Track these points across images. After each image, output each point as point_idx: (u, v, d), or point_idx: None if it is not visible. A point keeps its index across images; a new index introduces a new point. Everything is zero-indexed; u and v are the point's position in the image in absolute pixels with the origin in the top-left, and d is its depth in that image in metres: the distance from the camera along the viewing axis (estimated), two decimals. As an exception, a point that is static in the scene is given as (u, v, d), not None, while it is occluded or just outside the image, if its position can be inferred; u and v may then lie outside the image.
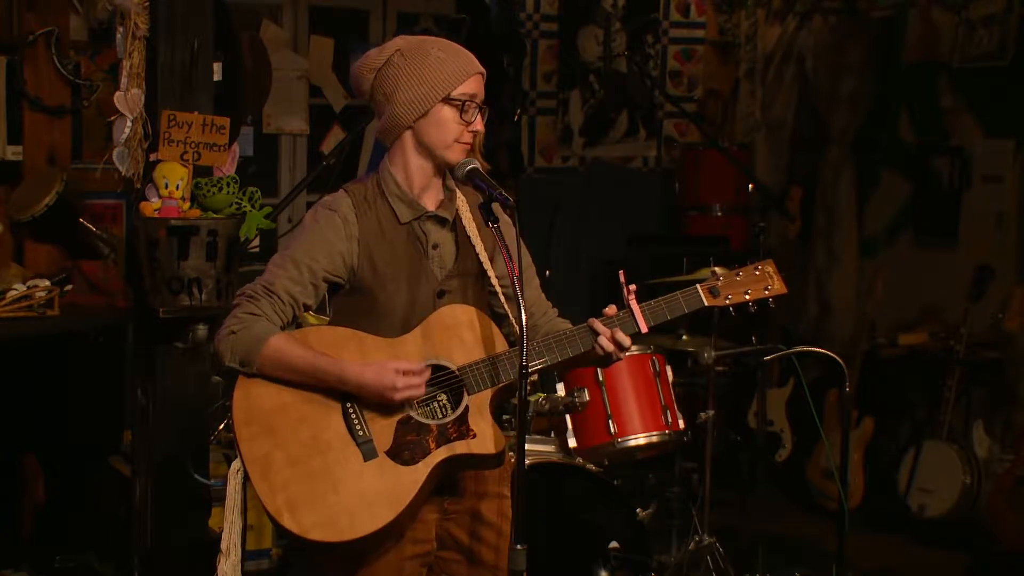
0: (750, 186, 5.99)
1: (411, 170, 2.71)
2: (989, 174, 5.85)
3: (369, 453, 2.59)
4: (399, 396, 2.56)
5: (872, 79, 6.32)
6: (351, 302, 2.72)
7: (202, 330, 3.83)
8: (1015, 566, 5.00)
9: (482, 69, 2.71)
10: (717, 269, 4.61)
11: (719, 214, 6.53)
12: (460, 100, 2.65)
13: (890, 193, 6.31)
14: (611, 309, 2.70)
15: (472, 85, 2.67)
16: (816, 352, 4.00)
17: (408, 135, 2.70)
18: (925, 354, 5.80)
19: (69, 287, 4.17)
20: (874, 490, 5.64)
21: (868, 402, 5.73)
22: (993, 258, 5.58)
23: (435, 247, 2.73)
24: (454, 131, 2.67)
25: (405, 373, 2.56)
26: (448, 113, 2.66)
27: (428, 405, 2.66)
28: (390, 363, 2.57)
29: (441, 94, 2.65)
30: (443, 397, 2.67)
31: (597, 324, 2.67)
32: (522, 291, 2.53)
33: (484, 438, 2.62)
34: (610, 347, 2.66)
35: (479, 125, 2.69)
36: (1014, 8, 5.69)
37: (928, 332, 5.83)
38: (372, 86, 2.72)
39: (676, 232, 6.71)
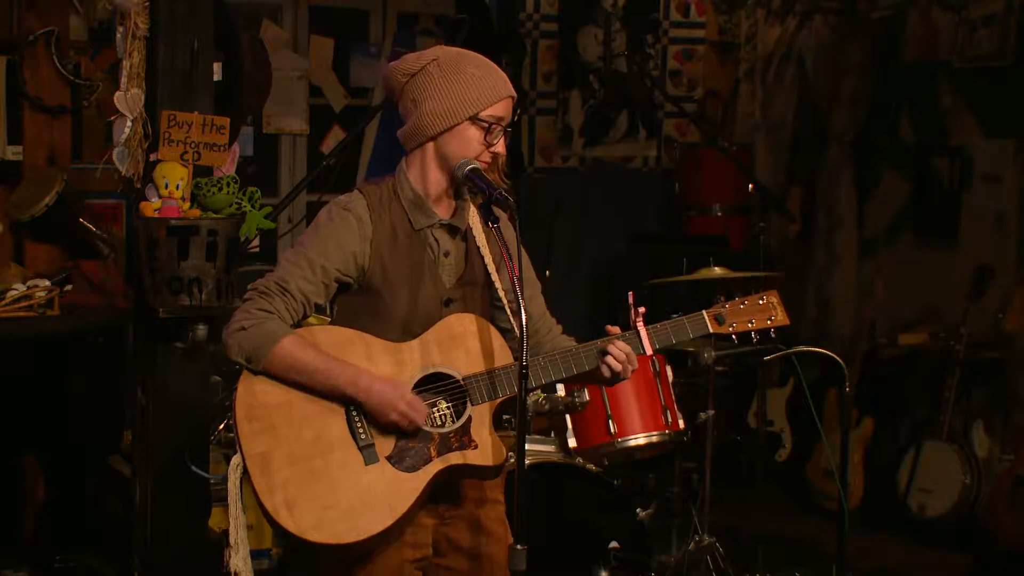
0: (750, 186, 5.99)
1: (428, 179, 2.72)
2: (989, 174, 5.85)
3: (370, 457, 2.59)
4: (397, 416, 2.58)
5: (872, 79, 6.31)
6: (357, 302, 2.72)
7: (202, 330, 3.83)
8: (1015, 566, 5.00)
9: (514, 93, 2.71)
10: (717, 269, 4.63)
11: (719, 214, 6.53)
12: (487, 122, 2.65)
13: (890, 193, 6.31)
14: (614, 329, 2.72)
15: (501, 108, 2.67)
16: (816, 352, 4.00)
17: (430, 145, 2.70)
18: (925, 354, 5.80)
19: (69, 287, 4.16)
20: (874, 490, 5.63)
21: (868, 402, 5.73)
22: (993, 258, 5.58)
23: (446, 255, 2.73)
24: (475, 150, 2.66)
25: (411, 403, 2.58)
26: (473, 133, 2.66)
27: (430, 412, 2.67)
28: (405, 385, 2.61)
29: (469, 112, 2.64)
30: (446, 405, 2.67)
31: (608, 345, 2.69)
32: (522, 291, 2.54)
33: (485, 449, 2.63)
34: (618, 367, 2.68)
35: (501, 148, 2.69)
36: (1014, 8, 5.69)
37: (928, 332, 5.83)
38: (403, 90, 2.72)
39: (676, 232, 6.71)
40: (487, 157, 2.68)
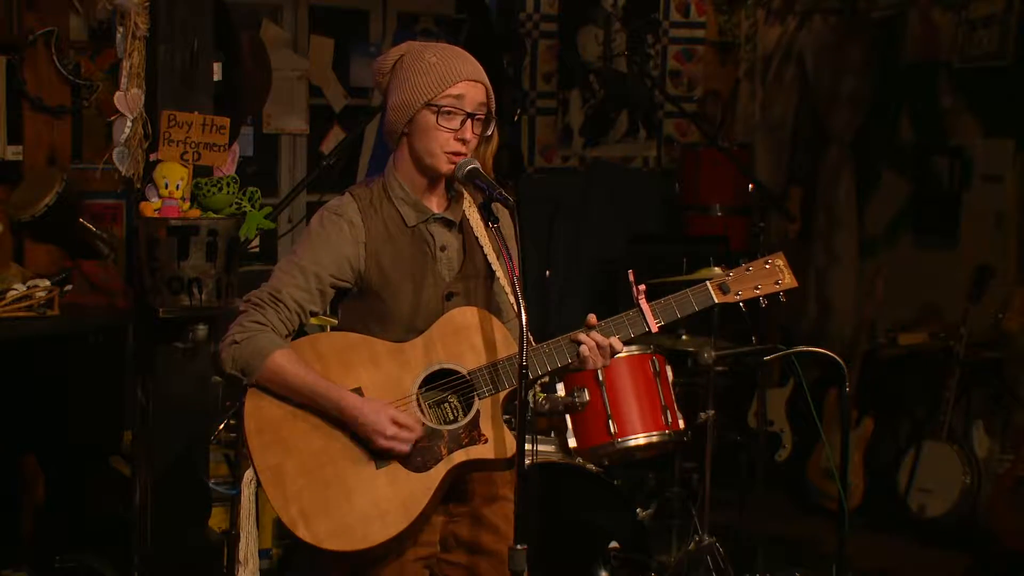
0: (750, 186, 5.99)
1: (412, 174, 2.71)
2: (989, 174, 5.85)
3: (381, 461, 2.59)
4: (385, 444, 2.56)
5: (872, 79, 6.31)
6: (359, 305, 2.71)
7: (202, 330, 3.83)
8: (1015, 566, 5.00)
9: (476, 76, 2.66)
10: (717, 269, 4.63)
11: (719, 214, 6.52)
12: (438, 106, 2.62)
13: (890, 193, 6.31)
14: (592, 319, 2.69)
15: (459, 91, 2.63)
16: (816, 352, 4.00)
17: (404, 140, 2.70)
18: (925, 354, 5.80)
19: (69, 287, 4.17)
20: (874, 490, 5.63)
21: (868, 402, 5.73)
22: (993, 258, 5.58)
23: (443, 249, 2.73)
24: (438, 139, 2.64)
25: (399, 424, 2.56)
26: (430, 119, 2.63)
27: (439, 409, 2.67)
28: (390, 409, 2.58)
29: (423, 99, 2.63)
30: (453, 401, 2.67)
31: (580, 335, 2.66)
32: (523, 290, 2.53)
33: (495, 443, 2.62)
34: (585, 353, 2.65)
35: (467, 133, 2.64)
36: (1014, 8, 5.69)
37: (928, 332, 5.83)
38: (383, 89, 2.74)
39: (676, 232, 6.70)
40: (454, 146, 2.64)
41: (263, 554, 4.42)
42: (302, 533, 2.54)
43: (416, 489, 2.57)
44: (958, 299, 5.55)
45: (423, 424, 2.61)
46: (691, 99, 6.91)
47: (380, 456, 2.59)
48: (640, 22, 6.78)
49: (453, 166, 2.65)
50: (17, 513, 4.46)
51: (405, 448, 2.57)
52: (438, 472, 2.59)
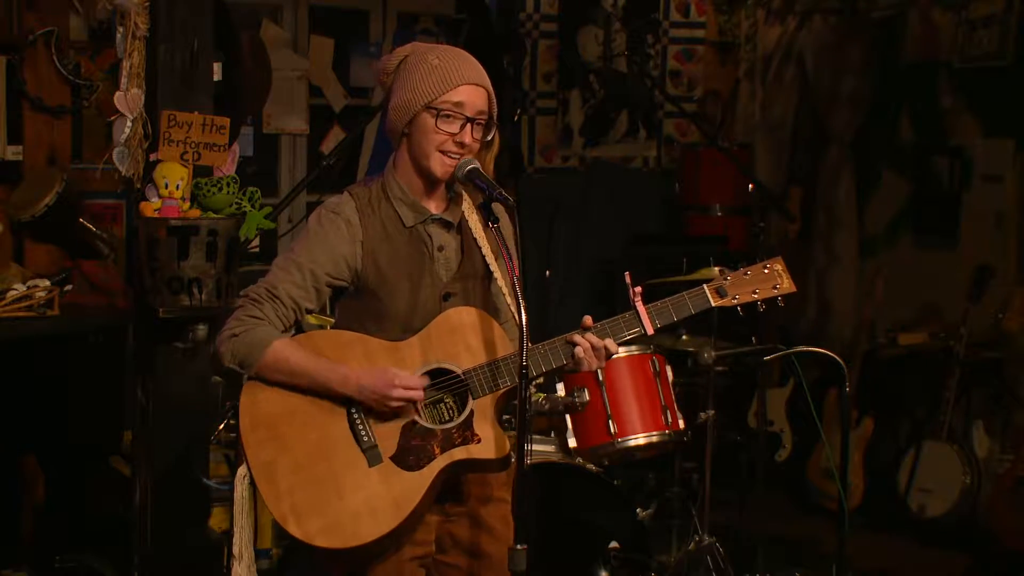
0: (750, 186, 5.99)
1: (410, 175, 2.72)
2: (989, 174, 5.85)
3: (374, 459, 2.59)
4: (396, 394, 2.56)
5: (872, 79, 6.31)
6: (356, 304, 2.72)
7: (202, 330, 3.84)
8: (1015, 566, 5.00)
9: (478, 81, 2.68)
10: (717, 269, 4.63)
11: (719, 214, 6.52)
12: (438, 108, 2.63)
13: (890, 193, 6.31)
14: (588, 320, 2.69)
15: (460, 95, 2.64)
16: (816, 352, 4.00)
17: (404, 141, 2.71)
18: (925, 354, 5.80)
19: (69, 287, 4.17)
20: (874, 490, 5.63)
21: (868, 402, 5.73)
22: (993, 258, 5.58)
23: (440, 249, 2.73)
24: (436, 140, 2.65)
25: (404, 384, 2.57)
26: (429, 121, 2.65)
27: (434, 408, 2.67)
28: (392, 369, 2.59)
29: (423, 101, 2.64)
30: (449, 400, 2.67)
31: (575, 336, 2.67)
32: (523, 291, 2.53)
33: (488, 443, 2.62)
34: (580, 355, 2.65)
35: (466, 137, 2.65)
36: (1014, 8, 5.69)
37: (928, 332, 5.83)
38: (386, 89, 2.76)
39: (676, 232, 6.70)
40: (450, 147, 2.65)
41: (263, 554, 4.42)
42: (293, 530, 2.54)
43: (408, 488, 2.58)
44: (958, 299, 5.55)
45: (424, 376, 2.61)
46: (691, 99, 6.91)
47: (373, 454, 2.59)
48: (640, 22, 6.78)
49: (449, 170, 2.66)
50: (17, 513, 4.46)
51: (418, 395, 2.58)
52: (431, 471, 2.59)
